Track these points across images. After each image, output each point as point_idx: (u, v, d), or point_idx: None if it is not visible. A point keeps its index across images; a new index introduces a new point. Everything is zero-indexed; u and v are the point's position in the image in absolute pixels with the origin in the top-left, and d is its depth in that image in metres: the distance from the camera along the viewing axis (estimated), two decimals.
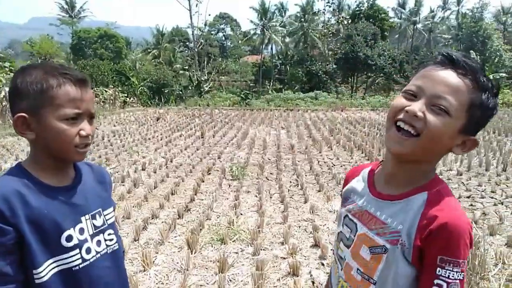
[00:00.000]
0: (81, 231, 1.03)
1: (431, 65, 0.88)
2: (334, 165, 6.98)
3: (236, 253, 3.58)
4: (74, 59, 35.23)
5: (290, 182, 5.89)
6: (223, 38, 53.46)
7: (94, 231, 1.07)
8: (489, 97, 0.85)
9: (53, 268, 0.98)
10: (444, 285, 0.81)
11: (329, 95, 25.87)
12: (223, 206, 4.79)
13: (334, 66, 30.86)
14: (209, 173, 6.34)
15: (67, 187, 1.05)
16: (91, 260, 1.04)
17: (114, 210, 1.18)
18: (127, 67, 25.47)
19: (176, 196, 5.20)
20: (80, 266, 1.02)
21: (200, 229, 4.02)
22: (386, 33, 35.48)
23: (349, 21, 34.35)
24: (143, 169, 6.64)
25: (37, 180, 1.00)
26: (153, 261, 3.38)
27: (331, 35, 32.90)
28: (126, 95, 21.69)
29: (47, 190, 1.00)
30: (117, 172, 6.40)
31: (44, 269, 0.97)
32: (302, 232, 4.05)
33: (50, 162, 1.03)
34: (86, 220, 1.05)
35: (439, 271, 0.82)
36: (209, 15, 48.11)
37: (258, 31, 41.91)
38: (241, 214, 4.53)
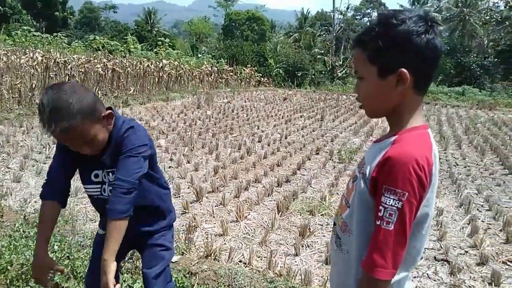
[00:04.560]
0: (96, 176, 1.54)
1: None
2: (457, 165, 6.36)
3: (321, 225, 3.78)
4: (223, 39, 38.76)
5: None
6: (368, 23, 51.25)
7: (109, 182, 1.52)
8: (376, 42, 1.00)
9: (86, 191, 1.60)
10: (382, 209, 0.94)
11: (480, 92, 22.60)
12: (321, 184, 4.98)
13: (494, 59, 26.62)
14: (317, 153, 6.54)
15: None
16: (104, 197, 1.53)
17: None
18: (266, 49, 26.88)
19: (281, 168, 5.59)
20: (99, 197, 1.55)
21: (293, 199, 4.33)
22: None
23: None
24: (259, 141, 7.25)
25: None
26: (246, 216, 3.84)
27: (494, 23, 28.33)
28: (261, 75, 23.06)
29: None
30: (236, 140, 7.15)
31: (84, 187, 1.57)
32: None
33: None
34: (102, 172, 1.53)
35: (382, 198, 0.95)
36: None
37: None
38: (337, 193, 4.65)
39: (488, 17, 29.03)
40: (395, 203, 0.93)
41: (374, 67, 1.02)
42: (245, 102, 13.58)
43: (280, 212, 3.91)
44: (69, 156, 1.49)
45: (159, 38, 29.59)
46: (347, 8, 37.94)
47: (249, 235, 3.49)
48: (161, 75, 15.01)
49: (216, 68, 19.77)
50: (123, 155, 1.41)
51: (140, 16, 42.96)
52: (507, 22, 28.60)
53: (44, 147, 5.91)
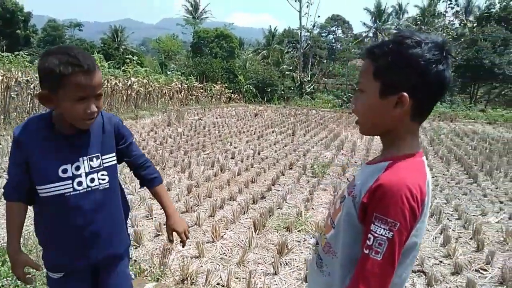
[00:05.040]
0: (77, 168, 1.38)
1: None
2: None
3: (298, 241, 3.75)
4: (193, 56, 38.70)
5: None
6: (333, 40, 52.91)
7: (90, 170, 1.40)
8: (386, 57, 0.96)
9: (51, 190, 1.36)
10: (372, 238, 0.91)
11: (441, 104, 23.66)
12: (296, 199, 4.97)
13: (452, 74, 28.03)
14: (291, 168, 6.56)
15: (73, 135, 1.39)
16: (81, 191, 1.38)
17: (115, 156, 1.49)
18: (236, 66, 27.08)
19: (255, 184, 5.55)
20: (71, 193, 1.37)
21: (270, 215, 4.28)
22: None
23: (475, 24, 30.89)
24: (232, 158, 7.19)
25: (54, 127, 1.38)
26: (222, 236, 3.75)
27: (450, 39, 29.93)
28: (231, 91, 23.14)
29: (57, 134, 1.37)
30: (209, 158, 7.06)
31: (44, 189, 1.36)
32: None
33: (66, 121, 1.37)
34: (83, 160, 1.39)
35: (372, 226, 0.91)
36: (319, 16, 47.75)
37: (371, 34, 40.31)
38: (312, 208, 4.65)
39: (444, 34, 30.66)
40: (386, 233, 0.89)
41: (377, 83, 0.99)
42: (217, 118, 13.52)
43: (257, 230, 3.84)
44: (26, 156, 1.37)
45: (127, 56, 29.14)
46: (313, 26, 38.81)
47: (226, 255, 3.40)
48: (129, 93, 14.73)
49: (186, 85, 19.66)
50: (130, 141, 1.59)
51: (107, 34, 42.24)
52: (462, 39, 30.35)
53: (4, 171, 5.58)
